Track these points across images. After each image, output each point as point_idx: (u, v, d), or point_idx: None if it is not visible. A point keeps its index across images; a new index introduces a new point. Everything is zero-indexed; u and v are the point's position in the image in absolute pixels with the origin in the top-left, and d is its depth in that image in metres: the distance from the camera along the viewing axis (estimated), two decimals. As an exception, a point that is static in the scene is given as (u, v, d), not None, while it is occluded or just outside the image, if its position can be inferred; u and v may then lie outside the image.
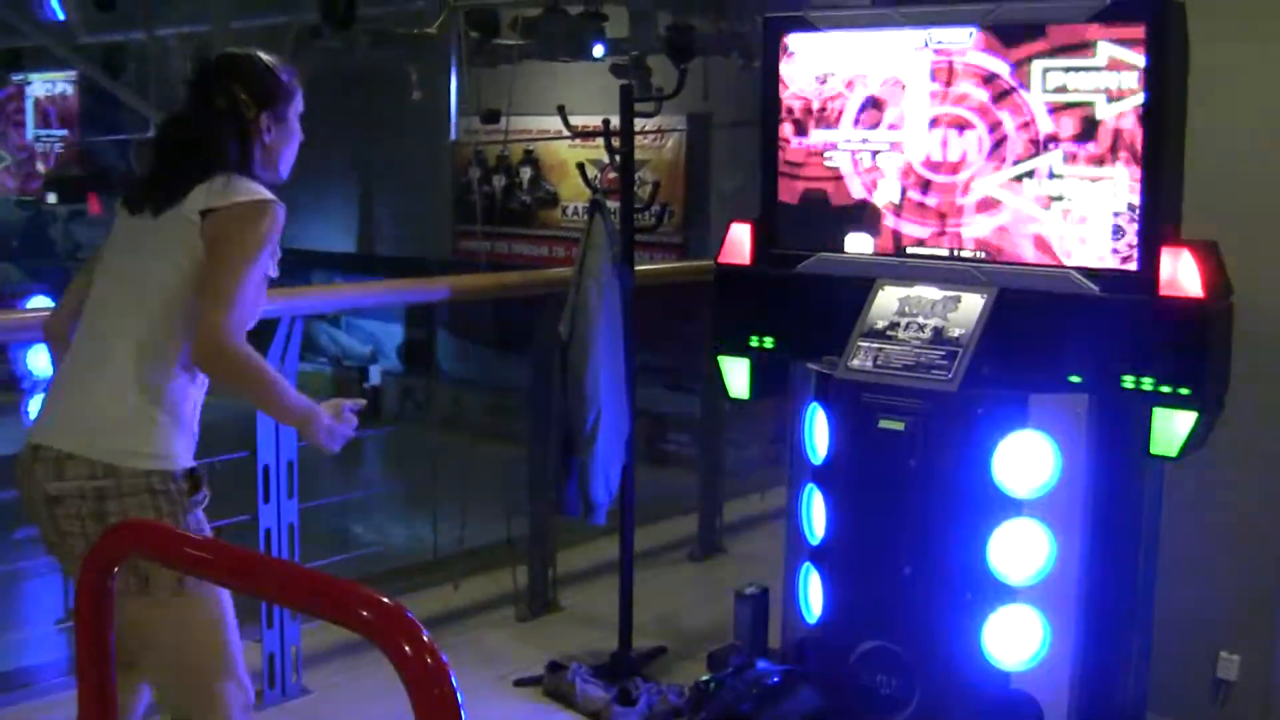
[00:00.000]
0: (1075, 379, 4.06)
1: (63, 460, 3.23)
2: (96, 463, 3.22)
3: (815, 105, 4.52)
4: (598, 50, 12.45)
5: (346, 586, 2.11)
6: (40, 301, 9.99)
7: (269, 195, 3.35)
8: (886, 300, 4.33)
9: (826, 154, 4.52)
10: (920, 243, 4.35)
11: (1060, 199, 4.06)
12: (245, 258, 3.24)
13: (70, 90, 16.56)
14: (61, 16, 13.42)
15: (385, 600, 2.04)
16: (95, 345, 3.36)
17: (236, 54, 3.57)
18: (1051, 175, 4.06)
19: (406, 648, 1.97)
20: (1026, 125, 4.09)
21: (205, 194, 3.28)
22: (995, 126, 4.15)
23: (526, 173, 16.75)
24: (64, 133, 17.02)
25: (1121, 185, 3.95)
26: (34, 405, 7.70)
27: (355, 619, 2.04)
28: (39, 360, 7.75)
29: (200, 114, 3.45)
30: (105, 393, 3.28)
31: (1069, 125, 4.02)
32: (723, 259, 4.84)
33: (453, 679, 1.96)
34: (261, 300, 3.40)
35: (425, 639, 1.98)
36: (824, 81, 4.49)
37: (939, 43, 4.23)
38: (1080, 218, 4.03)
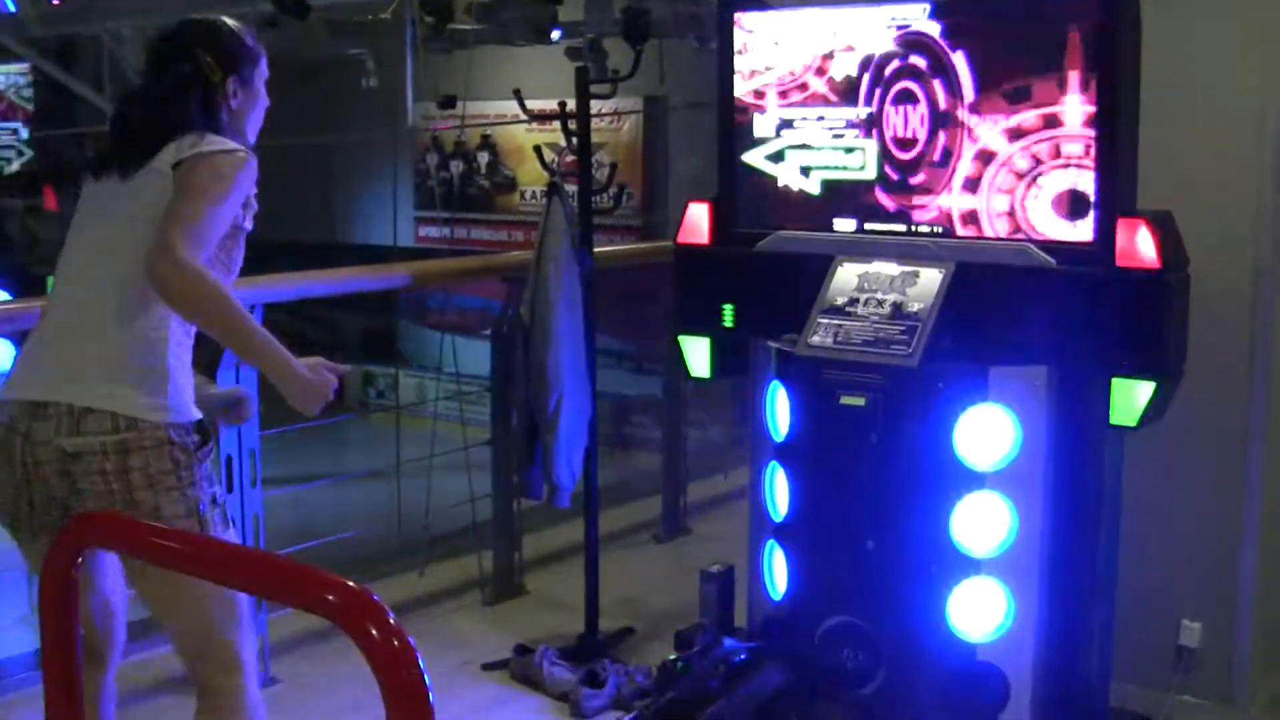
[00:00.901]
0: (1034, 351, 4.08)
1: (80, 415, 3.18)
2: (119, 415, 3.17)
3: (772, 84, 4.52)
4: (554, 34, 12.42)
5: (311, 572, 2.11)
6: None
7: (241, 147, 3.32)
8: (845, 277, 4.34)
9: (782, 133, 4.52)
10: (884, 218, 4.36)
11: (1015, 173, 4.08)
12: (210, 194, 3.19)
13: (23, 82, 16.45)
14: (12, 9, 13.31)
15: (350, 584, 2.04)
16: (82, 303, 3.32)
17: (200, 19, 3.53)
18: (1002, 149, 4.08)
19: (373, 631, 1.97)
20: (976, 102, 4.10)
21: (176, 149, 3.25)
22: (944, 102, 4.16)
23: (484, 158, 16.72)
24: (14, 126, 16.91)
25: (1076, 157, 3.97)
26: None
27: (321, 604, 2.05)
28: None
29: (165, 80, 3.42)
30: (109, 348, 3.24)
31: (1019, 98, 4.03)
32: (681, 239, 4.84)
33: (420, 661, 1.97)
34: (238, 253, 3.39)
35: (391, 622, 1.98)
36: (780, 60, 4.50)
37: (891, 19, 4.24)
38: (1036, 191, 4.05)
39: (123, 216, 3.30)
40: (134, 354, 3.24)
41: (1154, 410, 3.97)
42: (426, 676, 1.96)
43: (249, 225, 3.38)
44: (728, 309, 4.70)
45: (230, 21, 3.53)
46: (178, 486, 3.22)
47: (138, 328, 3.24)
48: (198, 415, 3.32)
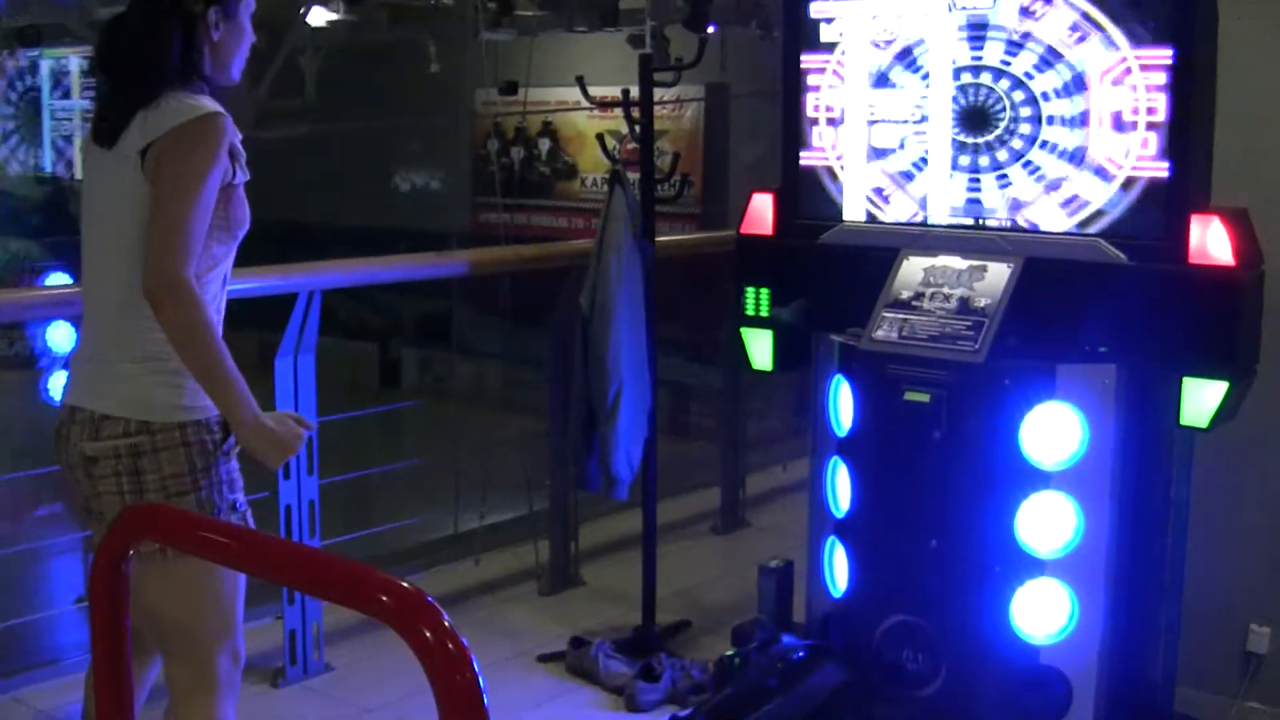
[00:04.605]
0: (1103, 349, 4.01)
1: (99, 420, 3.19)
2: (130, 420, 3.17)
3: (839, 72, 4.46)
4: (616, 21, 12.38)
5: (364, 571, 2.06)
6: (58, 279, 9.93)
7: (209, 106, 3.18)
8: (911, 270, 4.27)
9: (850, 122, 4.46)
10: (953, 208, 4.29)
11: (1087, 163, 4.00)
12: (190, 190, 3.10)
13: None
14: None
15: (405, 585, 1.99)
16: (97, 300, 3.32)
17: None
18: (1072, 140, 4.01)
19: (427, 633, 1.92)
20: (1058, 90, 4.03)
21: (141, 127, 3.15)
22: (1020, 88, 4.09)
23: (545, 144, 16.71)
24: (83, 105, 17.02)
25: (1150, 150, 3.90)
26: (54, 381, 7.69)
27: (374, 604, 2.00)
28: (57, 336, 7.72)
29: (142, 12, 3.26)
30: (118, 349, 3.22)
31: (1095, 87, 3.95)
32: (745, 229, 4.79)
33: (474, 664, 1.91)
34: (238, 209, 3.26)
35: (446, 624, 1.93)
36: (847, 46, 4.43)
37: (962, 7, 4.17)
38: (1109, 182, 3.97)
39: (110, 202, 3.24)
40: (148, 353, 3.20)
41: (1225, 411, 3.89)
42: (481, 679, 1.91)
43: (244, 176, 3.26)
44: (791, 301, 4.65)
45: None
46: (191, 491, 3.20)
47: (142, 324, 3.19)
48: (217, 410, 3.24)
